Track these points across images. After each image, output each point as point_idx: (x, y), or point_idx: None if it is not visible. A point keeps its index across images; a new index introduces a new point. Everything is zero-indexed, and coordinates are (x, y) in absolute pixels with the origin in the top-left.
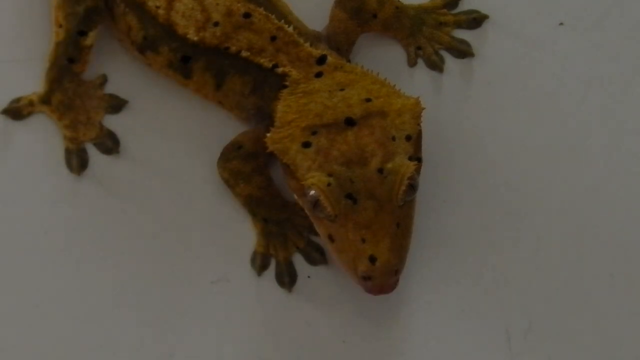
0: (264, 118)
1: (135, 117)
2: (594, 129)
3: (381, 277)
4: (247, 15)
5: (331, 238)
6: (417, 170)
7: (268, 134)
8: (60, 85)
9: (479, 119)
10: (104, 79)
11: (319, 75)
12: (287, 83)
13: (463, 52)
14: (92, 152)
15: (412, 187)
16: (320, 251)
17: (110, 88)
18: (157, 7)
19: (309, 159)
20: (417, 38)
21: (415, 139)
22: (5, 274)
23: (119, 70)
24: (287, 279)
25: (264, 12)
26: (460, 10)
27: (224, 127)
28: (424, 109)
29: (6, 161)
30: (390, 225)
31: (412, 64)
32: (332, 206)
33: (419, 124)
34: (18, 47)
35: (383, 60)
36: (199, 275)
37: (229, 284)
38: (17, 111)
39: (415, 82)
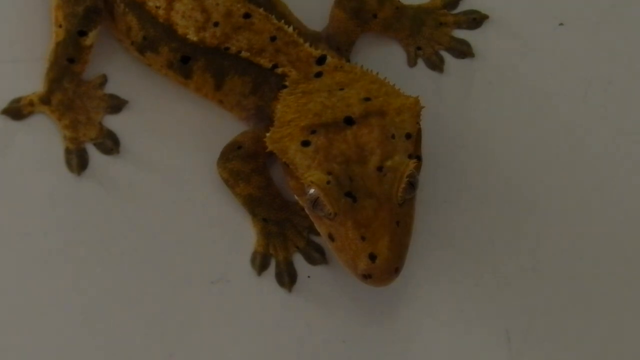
0: (264, 118)
1: (135, 117)
2: (594, 129)
3: (381, 274)
4: (247, 15)
5: (331, 237)
6: (417, 169)
7: (268, 134)
8: (60, 85)
9: (479, 119)
10: (104, 79)
11: (318, 75)
12: (286, 83)
13: (463, 52)
14: (92, 152)
15: (412, 185)
16: (320, 251)
17: (110, 88)
18: (157, 7)
19: (308, 158)
20: (417, 38)
21: (414, 138)
22: (5, 274)
23: (119, 70)
24: (287, 279)
25: (264, 13)
26: (460, 11)
27: (224, 127)
28: (423, 107)
29: (6, 161)
30: (389, 224)
31: (412, 64)
32: (331, 204)
33: (418, 123)
34: (18, 47)
35: (383, 60)
36: (199, 275)
37: (229, 284)
38: (17, 111)
39: (415, 82)
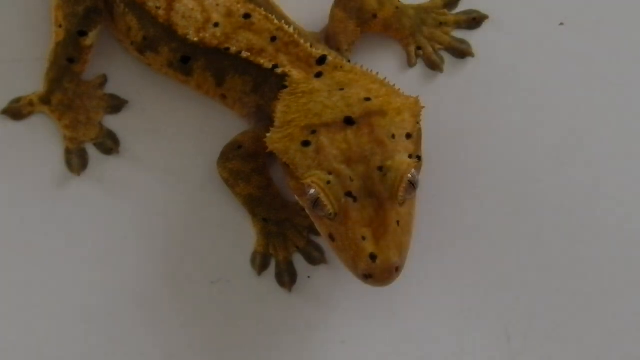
0: (264, 117)
1: (135, 117)
2: (594, 129)
3: (381, 274)
4: (247, 16)
5: (332, 237)
6: (417, 169)
7: (268, 134)
8: (60, 85)
9: (479, 119)
10: (104, 79)
11: (318, 75)
12: (286, 83)
13: (463, 52)
14: (92, 152)
15: (412, 185)
16: (321, 251)
17: (110, 88)
18: (157, 8)
19: (308, 158)
20: (417, 38)
21: (415, 138)
22: (5, 274)
23: (119, 70)
24: (287, 279)
25: (264, 13)
26: (460, 10)
27: (224, 127)
28: (423, 107)
29: (6, 161)
30: (390, 223)
31: (412, 64)
32: (332, 204)
33: (418, 123)
34: (18, 47)
35: (383, 60)
36: (199, 275)
37: (229, 284)
38: (17, 111)
39: (415, 82)
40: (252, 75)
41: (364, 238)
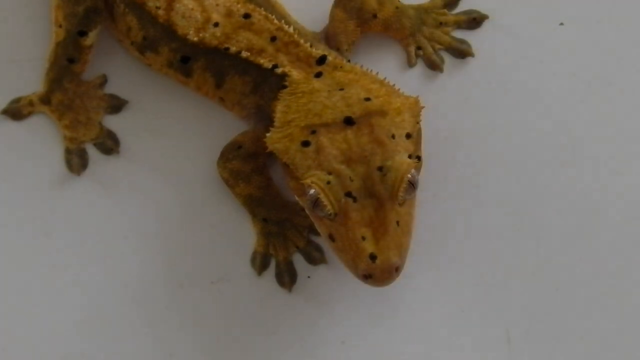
0: (264, 118)
1: (135, 117)
2: (594, 129)
3: (381, 274)
4: (247, 15)
5: (331, 237)
6: (417, 169)
7: (268, 134)
8: (60, 85)
9: (479, 119)
10: (103, 79)
11: (318, 75)
12: (286, 83)
13: (463, 52)
14: (92, 152)
15: (412, 185)
16: (321, 250)
17: (110, 88)
18: (157, 8)
19: (308, 158)
20: (417, 38)
21: (415, 138)
22: (5, 275)
23: (119, 70)
24: (287, 279)
25: (264, 13)
26: (460, 10)
27: (224, 127)
28: (423, 107)
29: (6, 161)
30: (390, 224)
31: (412, 64)
32: (331, 204)
33: (418, 123)
34: (18, 47)
35: (383, 60)
36: (199, 275)
37: (229, 284)
38: (17, 111)
39: (415, 82)
40: (251, 75)
41: (363, 238)
